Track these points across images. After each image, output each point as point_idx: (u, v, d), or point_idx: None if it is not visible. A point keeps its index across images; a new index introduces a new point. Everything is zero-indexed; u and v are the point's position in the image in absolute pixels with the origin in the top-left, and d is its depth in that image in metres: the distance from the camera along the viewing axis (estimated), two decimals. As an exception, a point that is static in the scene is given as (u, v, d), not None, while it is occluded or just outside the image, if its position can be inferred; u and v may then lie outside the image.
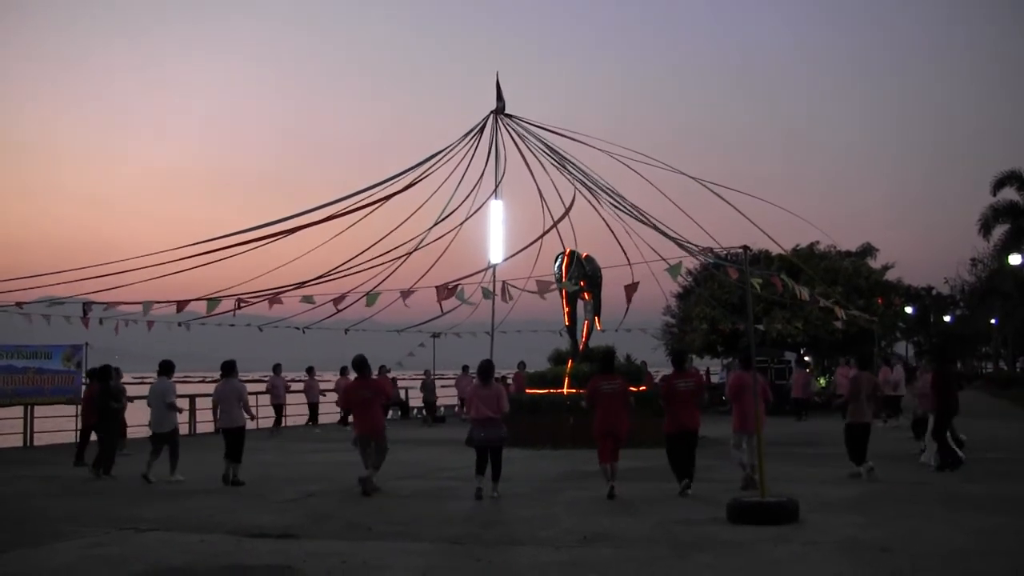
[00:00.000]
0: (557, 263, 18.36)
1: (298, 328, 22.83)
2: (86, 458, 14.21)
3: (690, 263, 27.50)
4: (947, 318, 61.51)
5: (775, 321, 28.47)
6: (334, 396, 20.82)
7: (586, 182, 18.71)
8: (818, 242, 34.43)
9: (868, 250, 45.14)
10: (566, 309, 18.96)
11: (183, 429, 16.61)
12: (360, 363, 11.70)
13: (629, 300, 16.11)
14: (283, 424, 21.80)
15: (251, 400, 13.77)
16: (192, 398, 21.90)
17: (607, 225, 19.33)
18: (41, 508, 10.26)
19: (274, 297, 15.91)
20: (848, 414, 12.23)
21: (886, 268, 36.79)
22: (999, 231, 40.92)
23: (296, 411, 23.22)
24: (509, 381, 21.49)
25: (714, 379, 34.21)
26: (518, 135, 19.56)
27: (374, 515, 9.37)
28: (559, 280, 17.54)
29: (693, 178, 17.85)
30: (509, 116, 19.69)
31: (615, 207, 18.58)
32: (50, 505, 10.47)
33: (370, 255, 17.62)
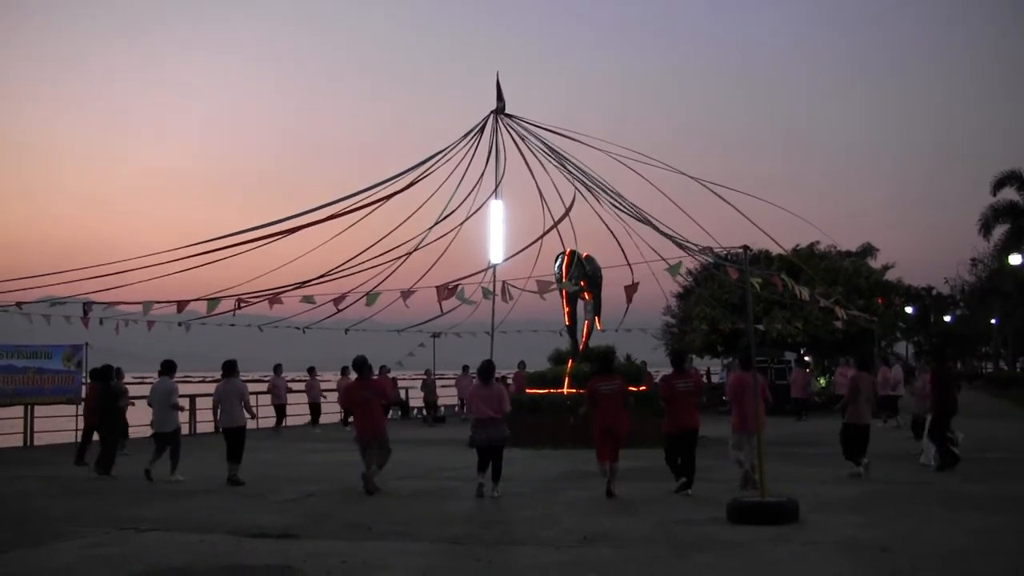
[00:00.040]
0: (557, 263, 18.37)
1: (298, 328, 22.83)
2: (87, 458, 14.20)
3: (690, 263, 27.52)
4: (947, 318, 61.55)
5: (775, 321, 28.47)
6: (336, 396, 20.82)
7: (586, 182, 18.73)
8: (818, 242, 34.51)
9: (868, 250, 45.18)
10: (566, 309, 18.97)
11: (183, 429, 16.61)
12: (360, 363, 11.71)
13: (629, 300, 16.13)
14: (284, 424, 21.79)
15: (252, 400, 13.77)
16: (192, 398, 21.89)
17: (606, 226, 19.37)
18: (41, 508, 10.26)
19: (274, 297, 15.92)
20: (847, 415, 12.23)
21: (886, 268, 36.83)
22: (999, 231, 40.96)
23: (297, 411, 23.21)
24: (509, 381, 21.48)
25: (714, 379, 34.23)
26: (518, 135, 19.57)
27: (374, 515, 9.37)
28: (559, 280, 17.54)
29: (693, 178, 17.88)
30: (509, 116, 19.69)
31: (615, 207, 18.60)
32: (50, 505, 10.47)
33: (370, 255, 17.65)
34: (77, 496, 11.22)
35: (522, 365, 23.55)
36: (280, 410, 21.63)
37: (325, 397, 23.28)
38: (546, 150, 19.29)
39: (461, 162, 19.31)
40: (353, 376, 12.51)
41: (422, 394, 27.10)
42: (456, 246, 20.02)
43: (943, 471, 12.00)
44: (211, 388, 16.06)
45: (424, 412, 26.99)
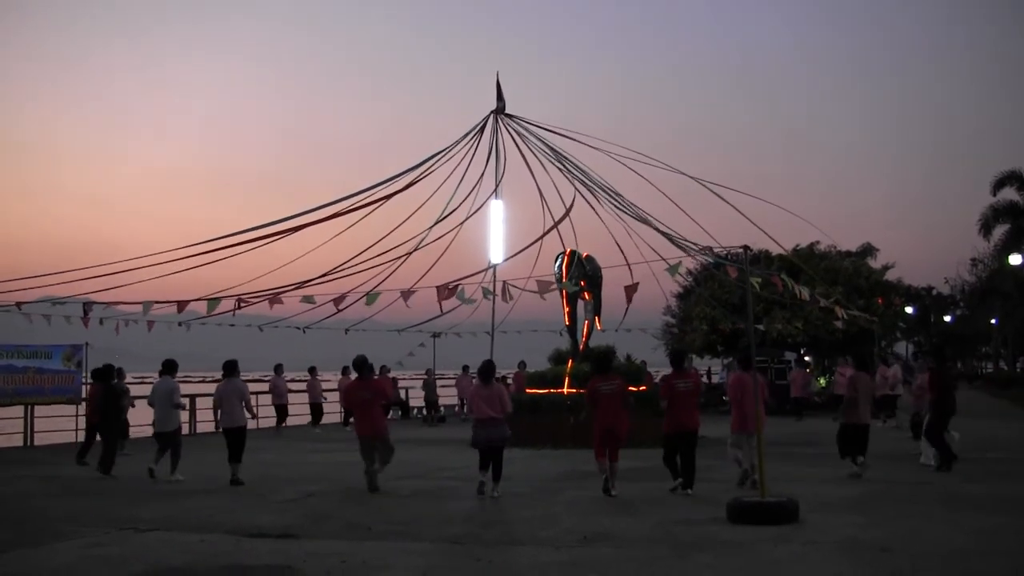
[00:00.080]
0: (557, 263, 18.37)
1: (298, 328, 22.83)
2: (88, 458, 14.19)
3: (690, 263, 27.52)
4: (947, 318, 61.57)
5: (775, 321, 28.47)
6: (337, 395, 20.82)
7: (586, 182, 18.72)
8: (818, 242, 34.49)
9: (868, 250, 45.19)
10: (566, 309, 18.97)
11: (183, 429, 16.61)
12: (360, 364, 11.72)
13: (629, 300, 16.12)
14: (284, 424, 21.79)
15: (252, 400, 13.77)
16: (192, 398, 21.89)
17: (606, 226, 19.36)
18: (41, 508, 10.26)
19: (274, 297, 15.90)
20: (845, 415, 12.23)
21: (886, 268, 36.82)
22: (999, 231, 40.97)
23: (298, 411, 23.22)
24: (509, 381, 21.49)
25: (715, 379, 34.23)
26: (518, 135, 19.56)
27: (374, 515, 9.38)
28: (559, 280, 17.54)
29: (693, 178, 17.86)
30: (509, 116, 19.68)
31: (615, 207, 18.59)
32: (50, 505, 10.47)
33: (370, 255, 17.63)
34: (77, 496, 11.23)
35: (522, 365, 23.55)
36: (281, 410, 21.65)
37: (326, 397, 23.29)
38: (546, 150, 19.29)
39: (461, 162, 19.31)
40: (353, 376, 12.52)
41: (422, 394, 27.13)
42: (456, 246, 20.03)
43: (942, 471, 12.01)
44: (211, 388, 16.05)
45: (424, 412, 27.00)
